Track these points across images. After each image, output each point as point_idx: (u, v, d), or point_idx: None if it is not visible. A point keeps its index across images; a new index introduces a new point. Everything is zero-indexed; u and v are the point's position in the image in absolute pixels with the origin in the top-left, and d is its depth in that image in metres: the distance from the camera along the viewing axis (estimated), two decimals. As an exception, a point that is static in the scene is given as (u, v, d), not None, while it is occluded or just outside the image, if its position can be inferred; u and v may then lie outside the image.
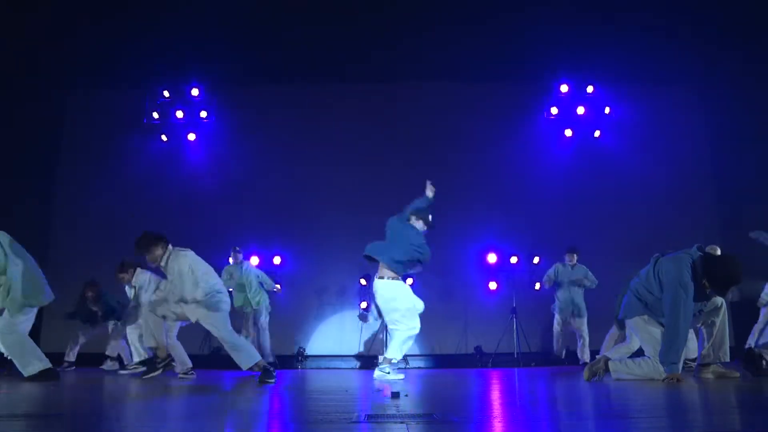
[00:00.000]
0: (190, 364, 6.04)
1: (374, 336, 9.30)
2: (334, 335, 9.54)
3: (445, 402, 3.60)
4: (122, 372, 7.24)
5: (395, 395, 3.48)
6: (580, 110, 10.12)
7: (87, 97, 10.37)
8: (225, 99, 10.28)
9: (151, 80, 10.04)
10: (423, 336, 9.53)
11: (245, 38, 8.97)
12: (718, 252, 4.61)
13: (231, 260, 8.57)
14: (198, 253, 9.74)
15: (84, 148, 10.17)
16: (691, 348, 5.54)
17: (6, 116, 9.38)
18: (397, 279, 5.60)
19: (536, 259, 9.57)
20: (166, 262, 5.54)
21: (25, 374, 5.02)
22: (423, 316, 9.46)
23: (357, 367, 8.99)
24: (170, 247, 5.63)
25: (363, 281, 9.60)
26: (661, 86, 10.14)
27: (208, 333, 9.48)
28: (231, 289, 8.15)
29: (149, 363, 5.88)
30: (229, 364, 8.91)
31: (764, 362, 5.39)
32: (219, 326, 5.48)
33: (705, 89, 10.06)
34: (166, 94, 10.18)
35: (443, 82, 10.18)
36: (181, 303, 5.42)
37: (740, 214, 9.54)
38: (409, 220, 5.80)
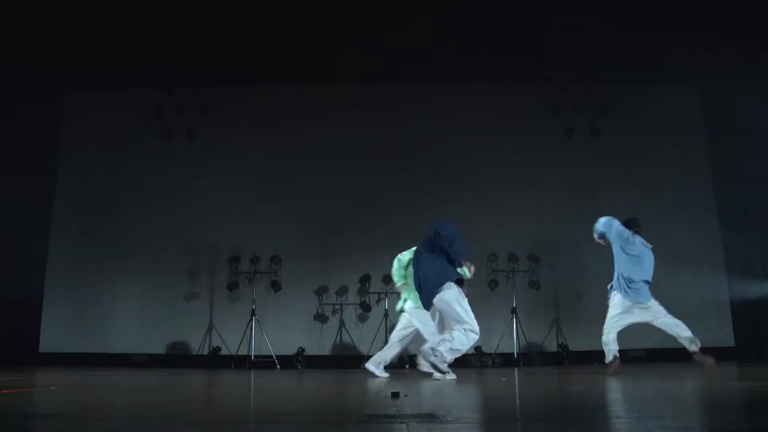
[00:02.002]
0: None
1: (374, 336, 9.29)
2: (333, 335, 9.54)
3: (445, 402, 3.59)
4: None
5: (395, 395, 3.48)
6: (580, 110, 10.11)
7: (87, 98, 10.37)
8: (224, 99, 10.27)
9: (151, 81, 10.03)
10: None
11: (245, 39, 8.96)
12: None
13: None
14: (198, 253, 9.84)
15: (83, 149, 10.16)
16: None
17: (6, 117, 9.38)
18: None
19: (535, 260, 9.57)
20: None
21: None
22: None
23: (357, 367, 8.98)
24: None
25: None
26: (661, 86, 10.14)
27: (208, 333, 9.55)
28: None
29: None
30: (228, 363, 8.95)
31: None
32: None
33: (705, 89, 10.05)
34: (165, 94, 10.18)
35: (441, 82, 10.17)
36: None
37: (740, 214, 9.54)
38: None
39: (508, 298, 9.16)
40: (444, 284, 5.40)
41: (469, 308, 5.42)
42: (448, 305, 5.38)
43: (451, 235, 5.46)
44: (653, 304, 5.97)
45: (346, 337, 9.47)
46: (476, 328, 5.40)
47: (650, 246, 6.15)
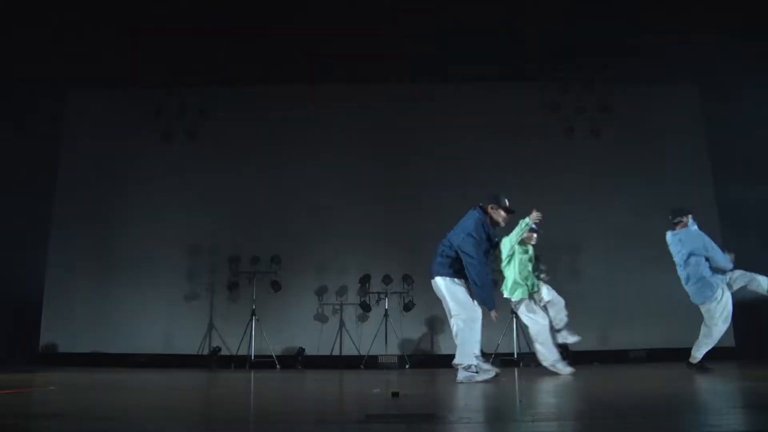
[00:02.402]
0: None
1: (374, 336, 9.29)
2: (334, 335, 9.54)
3: (445, 402, 3.60)
4: None
5: (395, 395, 3.48)
6: (580, 110, 10.11)
7: (87, 98, 10.36)
8: (224, 99, 10.27)
9: (152, 81, 10.02)
10: (424, 336, 9.57)
11: (245, 39, 8.96)
12: None
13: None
14: (198, 254, 9.84)
15: (84, 150, 10.16)
16: None
17: (6, 117, 9.38)
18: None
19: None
20: None
21: None
22: (424, 316, 9.55)
23: (358, 367, 8.98)
24: None
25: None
26: (661, 86, 10.13)
27: (208, 333, 9.55)
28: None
29: None
30: (228, 363, 8.95)
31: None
32: None
33: (705, 88, 10.05)
34: (166, 95, 10.18)
35: (441, 82, 10.17)
36: None
37: (740, 213, 9.53)
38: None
39: (508, 298, 9.14)
40: (438, 275, 5.32)
41: (462, 297, 5.23)
42: (440, 295, 5.33)
43: (476, 274, 5.12)
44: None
45: (346, 337, 9.47)
46: (473, 314, 5.18)
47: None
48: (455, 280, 5.25)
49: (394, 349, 9.15)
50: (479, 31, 8.73)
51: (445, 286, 5.26)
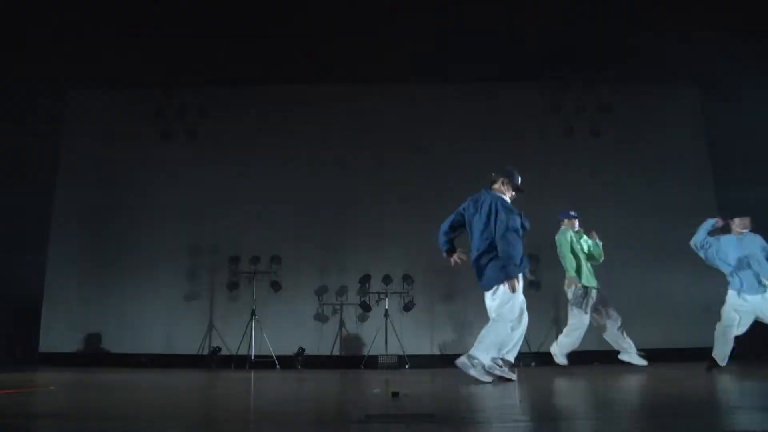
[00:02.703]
0: None
1: (374, 336, 9.28)
2: (334, 335, 9.54)
3: (445, 402, 3.59)
4: None
5: (395, 395, 3.48)
6: (581, 110, 10.12)
7: (87, 98, 10.36)
8: (225, 100, 10.27)
9: (152, 81, 10.03)
10: (424, 336, 9.56)
11: (245, 39, 8.96)
12: None
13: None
14: (198, 253, 9.84)
15: (84, 150, 10.17)
16: None
17: (5, 117, 9.38)
18: None
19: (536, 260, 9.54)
20: None
21: None
22: (424, 316, 9.55)
23: (357, 367, 8.98)
24: None
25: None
26: (661, 86, 10.14)
27: (208, 333, 9.55)
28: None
29: None
30: (228, 363, 8.95)
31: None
32: None
33: (705, 89, 10.06)
34: (166, 95, 10.18)
35: (442, 82, 10.18)
36: None
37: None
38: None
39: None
40: (496, 283, 5.13)
41: (506, 300, 5.16)
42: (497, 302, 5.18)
43: (508, 246, 4.99)
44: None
45: (346, 337, 9.47)
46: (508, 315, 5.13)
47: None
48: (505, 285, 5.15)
49: (394, 349, 9.15)
50: (479, 31, 8.73)
51: (502, 291, 5.14)
